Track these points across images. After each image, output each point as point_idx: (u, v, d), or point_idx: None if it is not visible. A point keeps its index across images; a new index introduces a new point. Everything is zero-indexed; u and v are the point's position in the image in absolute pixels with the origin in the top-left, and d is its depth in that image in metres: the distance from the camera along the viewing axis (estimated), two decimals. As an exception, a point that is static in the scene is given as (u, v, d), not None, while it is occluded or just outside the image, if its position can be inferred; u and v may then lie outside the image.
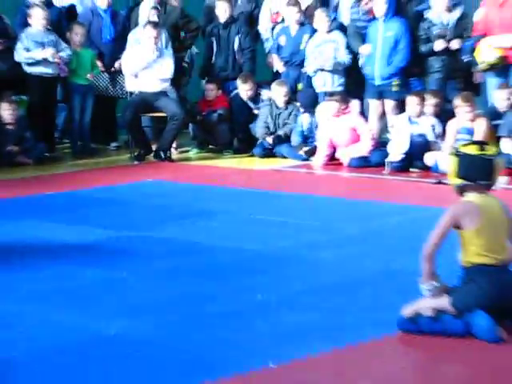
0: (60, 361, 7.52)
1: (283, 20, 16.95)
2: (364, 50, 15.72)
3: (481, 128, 14.05)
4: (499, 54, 14.83)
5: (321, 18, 16.09)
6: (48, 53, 16.10)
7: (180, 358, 7.52)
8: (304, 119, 15.98)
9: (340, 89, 16.07)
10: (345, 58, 16.02)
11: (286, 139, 16.15)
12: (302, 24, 16.55)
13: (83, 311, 8.65)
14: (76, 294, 9.21)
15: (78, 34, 16.61)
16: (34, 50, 16.15)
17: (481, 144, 8.30)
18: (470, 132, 13.81)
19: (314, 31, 16.36)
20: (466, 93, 14.79)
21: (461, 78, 15.64)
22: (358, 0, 16.22)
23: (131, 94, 16.74)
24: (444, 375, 7.32)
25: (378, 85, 15.72)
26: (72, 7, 17.40)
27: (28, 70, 16.33)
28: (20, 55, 16.19)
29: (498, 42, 14.85)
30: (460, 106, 14.36)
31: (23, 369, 7.38)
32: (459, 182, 7.78)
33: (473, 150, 7.94)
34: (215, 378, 6.93)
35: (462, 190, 7.83)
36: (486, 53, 14.93)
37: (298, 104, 16.37)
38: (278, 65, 16.96)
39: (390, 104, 15.64)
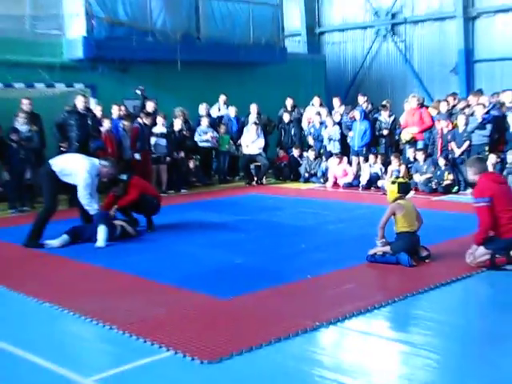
0: (215, 274, 7.74)
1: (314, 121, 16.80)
2: (350, 134, 15.61)
3: (402, 169, 14.08)
4: (410, 136, 14.82)
5: (329, 121, 15.96)
6: (208, 136, 16.09)
7: (268, 274, 7.68)
8: (323, 165, 15.93)
9: (338, 151, 15.86)
10: (337, 136, 15.83)
11: (315, 174, 16.07)
12: (321, 123, 16.40)
13: (224, 252, 8.81)
14: (221, 245, 9.29)
15: (222, 128, 16.48)
16: (202, 135, 16.12)
17: (403, 177, 8.52)
18: (398, 171, 13.79)
19: (326, 126, 16.18)
20: (396, 153, 14.77)
21: (393, 147, 15.55)
22: (347, 113, 16.16)
23: (245, 154, 16.55)
24: (386, 279, 7.49)
25: (356, 150, 15.54)
26: (221, 117, 17.01)
27: (200, 144, 16.16)
28: (196, 138, 16.09)
29: (410, 130, 14.82)
30: (393, 159, 14.37)
31: (203, 278, 7.61)
32: (398, 195, 7.90)
33: (402, 180, 8.14)
34: (282, 283, 7.17)
35: (395, 199, 7.93)
36: (404, 135, 14.95)
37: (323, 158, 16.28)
38: (310, 140, 16.80)
39: (361, 159, 15.48)
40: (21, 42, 15.29)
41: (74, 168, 9.44)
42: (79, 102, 13.17)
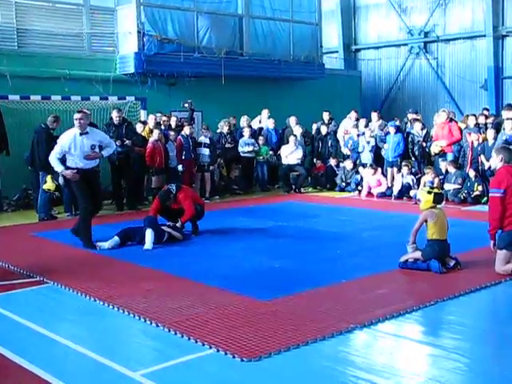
0: (255, 277, 7.73)
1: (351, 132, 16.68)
2: (385, 146, 15.47)
3: (436, 181, 13.75)
4: (439, 148, 14.69)
5: (367, 133, 15.85)
6: (250, 148, 16.08)
7: (305, 278, 7.64)
8: (358, 175, 15.80)
9: (371, 161, 15.71)
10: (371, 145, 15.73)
11: (349, 184, 15.95)
12: (358, 135, 16.30)
13: (264, 256, 8.79)
14: (260, 249, 9.30)
15: (261, 140, 16.46)
16: (244, 147, 16.11)
17: (438, 188, 8.43)
18: (432, 182, 13.49)
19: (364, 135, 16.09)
20: (430, 167, 14.51)
21: (425, 159, 15.30)
22: (382, 129, 16.01)
23: (284, 164, 16.34)
24: (418, 285, 7.38)
25: (390, 161, 15.37)
26: (261, 128, 17.02)
27: (242, 154, 16.14)
28: (239, 148, 16.06)
29: (440, 143, 14.66)
30: (428, 171, 14.09)
31: (243, 280, 7.60)
32: (432, 204, 7.78)
33: (437, 191, 8.02)
34: (318, 286, 7.12)
35: (428, 208, 7.82)
36: (433, 148, 14.79)
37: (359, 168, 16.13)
38: (347, 151, 16.63)
39: (394, 170, 15.30)
40: (78, 58, 15.61)
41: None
42: (114, 116, 13.44)
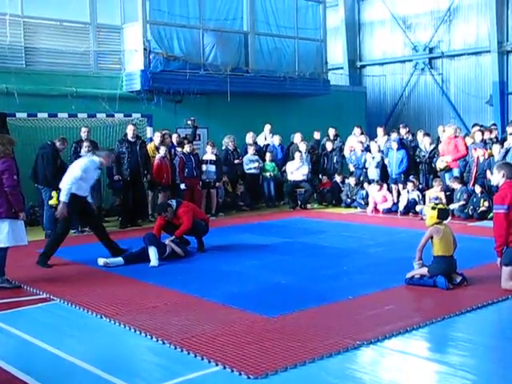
0: (261, 293, 7.69)
1: (355, 149, 16.70)
2: (385, 161, 15.49)
3: (442, 196, 13.74)
4: (445, 164, 14.75)
5: (374, 148, 15.87)
6: (256, 164, 16.14)
7: (311, 294, 7.59)
8: (363, 191, 15.79)
9: (378, 177, 15.75)
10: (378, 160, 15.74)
11: (354, 201, 15.93)
12: (362, 150, 16.33)
13: (270, 272, 8.75)
14: (267, 265, 9.27)
15: (268, 156, 16.48)
16: (249, 164, 16.14)
17: (442, 204, 8.41)
18: (436, 198, 13.44)
19: (369, 150, 16.13)
20: (437, 179, 14.51)
21: (432, 174, 15.32)
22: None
23: (290, 181, 16.43)
24: (424, 301, 7.34)
25: (394, 177, 15.40)
26: (267, 145, 17.08)
27: (246, 171, 16.21)
28: (245, 166, 16.10)
29: (445, 159, 14.74)
30: (435, 185, 14.12)
31: (250, 297, 7.58)
32: (437, 220, 7.75)
33: (442, 206, 8.00)
34: (324, 303, 7.07)
35: (433, 224, 7.79)
36: (439, 163, 14.82)
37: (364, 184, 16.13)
38: (351, 167, 16.69)
39: (400, 186, 15.30)
40: (85, 75, 15.70)
41: (71, 172, 9.62)
42: (129, 131, 13.42)
